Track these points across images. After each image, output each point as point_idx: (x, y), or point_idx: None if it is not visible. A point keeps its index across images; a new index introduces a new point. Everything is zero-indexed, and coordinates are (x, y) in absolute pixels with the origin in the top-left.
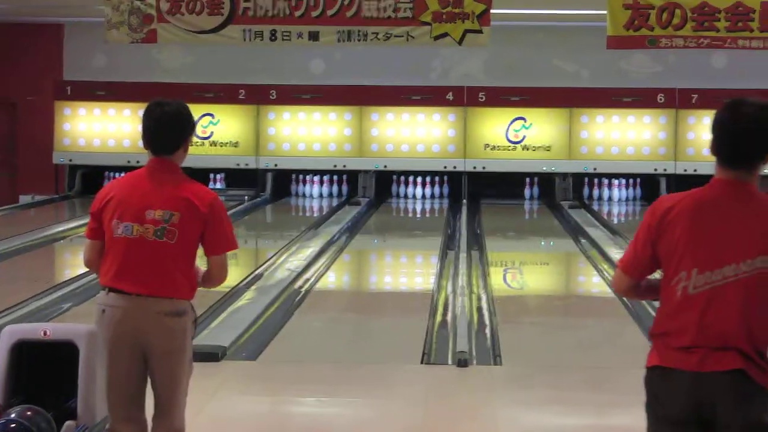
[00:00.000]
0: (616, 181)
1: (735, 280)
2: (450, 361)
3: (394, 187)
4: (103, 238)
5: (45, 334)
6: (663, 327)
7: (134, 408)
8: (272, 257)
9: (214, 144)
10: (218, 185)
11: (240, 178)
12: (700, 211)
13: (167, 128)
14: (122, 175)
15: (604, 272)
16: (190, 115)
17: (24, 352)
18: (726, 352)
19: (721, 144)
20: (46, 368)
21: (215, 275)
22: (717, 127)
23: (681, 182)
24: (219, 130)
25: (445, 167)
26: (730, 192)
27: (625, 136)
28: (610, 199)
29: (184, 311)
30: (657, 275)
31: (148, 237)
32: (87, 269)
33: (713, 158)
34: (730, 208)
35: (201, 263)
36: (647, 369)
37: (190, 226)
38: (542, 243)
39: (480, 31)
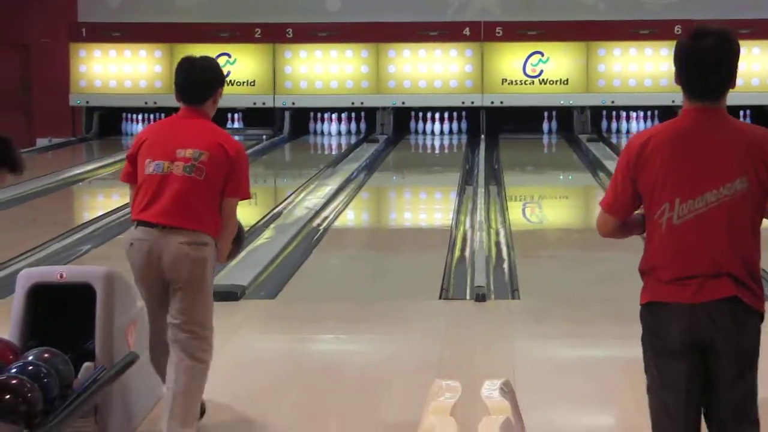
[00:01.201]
0: (633, 114)
1: (717, 205)
2: (468, 296)
3: (412, 124)
4: (131, 181)
5: (61, 276)
6: (651, 262)
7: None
8: (291, 195)
9: (231, 83)
10: (236, 125)
11: (258, 117)
12: (676, 142)
13: (197, 79)
14: (139, 116)
15: None
16: (219, 69)
17: (41, 295)
18: (719, 279)
19: (688, 78)
20: (63, 311)
21: (225, 217)
22: (681, 61)
23: None
24: (236, 70)
25: (462, 103)
26: (703, 120)
27: (642, 69)
28: (628, 131)
29: (205, 243)
30: (639, 211)
31: (177, 173)
32: (105, 211)
33: (734, 89)
34: (704, 135)
35: None
36: (641, 306)
37: (217, 166)
38: (560, 177)
39: None
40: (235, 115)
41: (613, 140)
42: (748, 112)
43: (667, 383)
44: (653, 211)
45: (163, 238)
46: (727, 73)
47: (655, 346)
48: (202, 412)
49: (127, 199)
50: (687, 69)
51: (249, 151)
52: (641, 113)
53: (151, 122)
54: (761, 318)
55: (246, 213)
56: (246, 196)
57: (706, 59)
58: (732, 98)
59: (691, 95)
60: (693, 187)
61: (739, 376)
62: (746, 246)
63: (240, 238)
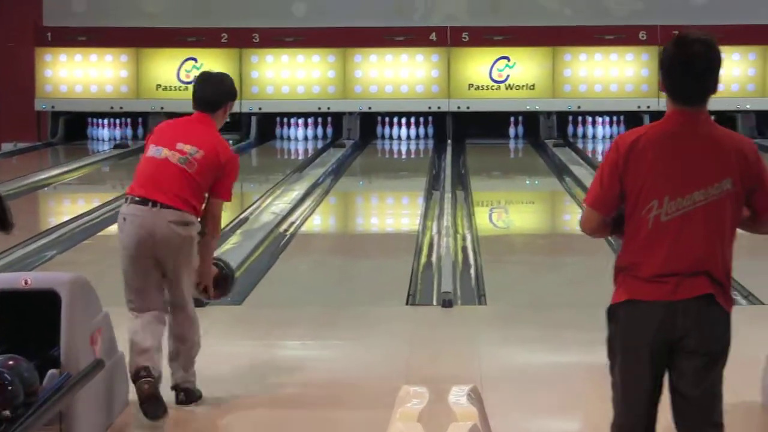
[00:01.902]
0: (600, 119)
1: (705, 204)
2: (435, 302)
3: (378, 129)
4: None
5: (26, 283)
6: (632, 258)
7: (148, 301)
8: (257, 201)
9: None
10: None
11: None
12: (665, 142)
13: (211, 91)
14: (105, 121)
15: None
16: (232, 85)
17: (5, 301)
18: (697, 277)
19: (673, 85)
20: (28, 317)
21: (210, 216)
22: (669, 67)
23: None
24: None
25: (429, 108)
26: (690, 123)
27: (608, 74)
28: (594, 136)
29: (191, 222)
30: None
31: (172, 160)
32: (71, 217)
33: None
34: (692, 137)
35: None
36: (615, 304)
37: (208, 166)
38: (527, 182)
39: None
40: None
41: (579, 145)
42: (712, 118)
43: (632, 381)
44: (640, 208)
45: (154, 216)
46: (713, 80)
47: (624, 345)
48: (198, 396)
49: (92, 205)
50: (675, 75)
51: None
52: (607, 118)
53: (118, 127)
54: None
55: None
56: (227, 199)
57: (695, 66)
58: (723, 104)
59: (677, 100)
60: (683, 186)
61: (705, 376)
62: (726, 246)
63: (227, 281)
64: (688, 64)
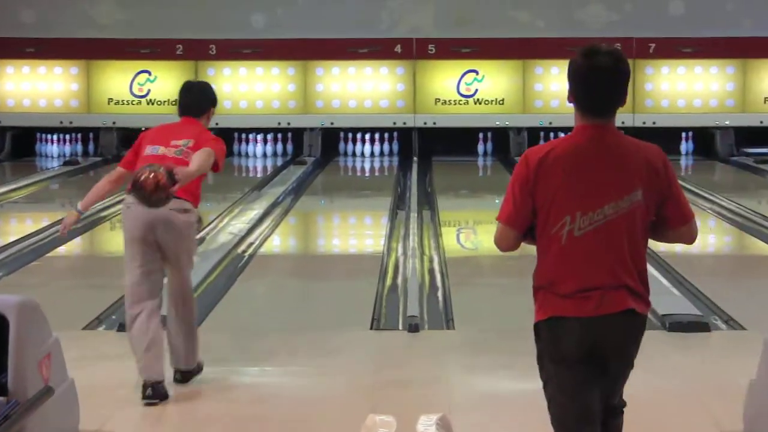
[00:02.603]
0: None
1: (616, 217)
2: (401, 326)
3: (341, 145)
4: (128, 168)
5: None
6: (550, 275)
7: (147, 287)
8: (214, 221)
9: (151, 102)
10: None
11: None
12: (574, 157)
13: (195, 98)
14: (54, 136)
15: None
16: (213, 92)
17: None
18: (618, 291)
19: (582, 97)
20: None
21: (197, 156)
22: (576, 79)
23: (639, 135)
24: (156, 88)
25: (394, 123)
26: (598, 135)
27: None
28: None
29: (189, 209)
30: None
31: (168, 154)
32: (18, 237)
33: (673, 111)
34: (601, 150)
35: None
36: (538, 322)
37: (197, 149)
38: (496, 201)
39: None
40: None
41: None
42: (690, 133)
43: (568, 390)
44: (551, 225)
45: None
46: (622, 91)
47: (552, 358)
48: (199, 369)
49: (40, 225)
50: (583, 87)
51: None
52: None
53: (68, 143)
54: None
55: None
56: (217, 170)
57: (602, 78)
58: (673, 120)
59: (585, 112)
60: (594, 200)
61: (622, 381)
62: (640, 255)
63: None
64: (596, 76)
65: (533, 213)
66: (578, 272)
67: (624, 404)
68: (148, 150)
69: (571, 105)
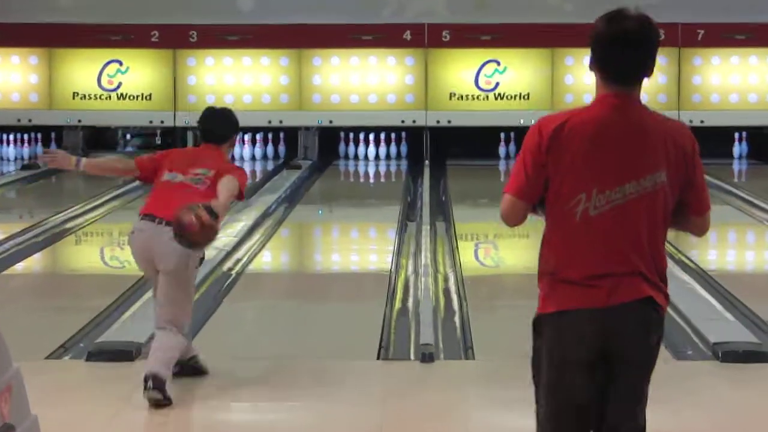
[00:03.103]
0: None
1: (637, 197)
2: (412, 356)
3: (341, 147)
4: (140, 174)
5: None
6: (557, 259)
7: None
8: None
9: (122, 97)
10: (129, 148)
11: (155, 137)
12: (594, 128)
13: (217, 123)
14: (11, 136)
15: None
16: (235, 119)
17: None
18: (633, 278)
19: (607, 60)
20: None
21: (224, 186)
22: (600, 42)
23: None
24: (128, 81)
25: (402, 122)
26: (622, 106)
27: None
28: None
29: None
30: None
31: (185, 182)
32: None
33: (724, 107)
34: (623, 123)
35: None
36: (543, 314)
37: (217, 179)
38: None
39: None
40: (127, 136)
41: None
42: (744, 134)
43: (564, 403)
44: (563, 201)
45: (158, 230)
46: (649, 56)
47: (553, 361)
48: (205, 371)
49: None
50: (607, 51)
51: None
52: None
53: (26, 144)
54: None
55: None
56: (241, 199)
57: (630, 40)
58: (724, 118)
59: (608, 79)
60: (612, 177)
61: (638, 384)
62: (659, 243)
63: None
64: (622, 37)
65: (546, 184)
66: (590, 256)
67: (644, 428)
68: (167, 176)
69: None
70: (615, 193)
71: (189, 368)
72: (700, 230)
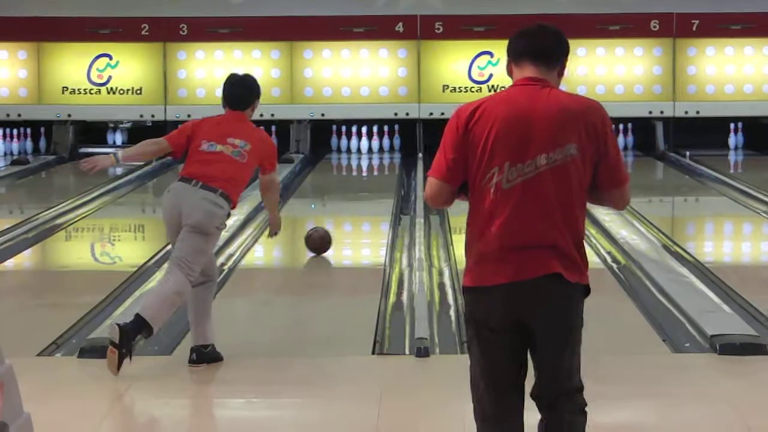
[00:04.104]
0: None
1: (549, 169)
2: (407, 350)
3: (333, 140)
4: (174, 150)
5: None
6: (476, 231)
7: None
8: None
9: (112, 91)
10: (118, 141)
11: (145, 132)
12: (506, 106)
13: (239, 89)
14: (0, 131)
15: (592, 237)
16: (257, 84)
17: None
18: (544, 251)
19: (516, 44)
20: None
21: (272, 188)
22: (512, 41)
23: (680, 127)
24: (118, 75)
25: (395, 114)
26: (533, 87)
27: (612, 73)
28: None
29: (222, 205)
30: None
31: (226, 152)
32: None
33: (719, 98)
34: (535, 101)
35: None
36: (463, 286)
37: (255, 156)
38: None
39: None
40: (117, 130)
41: None
42: (739, 125)
43: (487, 354)
44: (480, 177)
45: (191, 191)
46: (559, 41)
47: (476, 327)
48: (220, 359)
49: None
50: (520, 37)
51: (135, 174)
52: (612, 126)
53: (15, 139)
54: (586, 291)
55: (134, 250)
56: (274, 170)
57: (536, 32)
58: (719, 109)
59: (519, 57)
60: (523, 151)
61: (562, 353)
62: (574, 215)
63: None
64: (530, 32)
65: (465, 167)
66: (503, 228)
67: (581, 388)
68: (204, 146)
69: (600, 91)
70: (527, 166)
71: (206, 356)
72: (618, 203)
